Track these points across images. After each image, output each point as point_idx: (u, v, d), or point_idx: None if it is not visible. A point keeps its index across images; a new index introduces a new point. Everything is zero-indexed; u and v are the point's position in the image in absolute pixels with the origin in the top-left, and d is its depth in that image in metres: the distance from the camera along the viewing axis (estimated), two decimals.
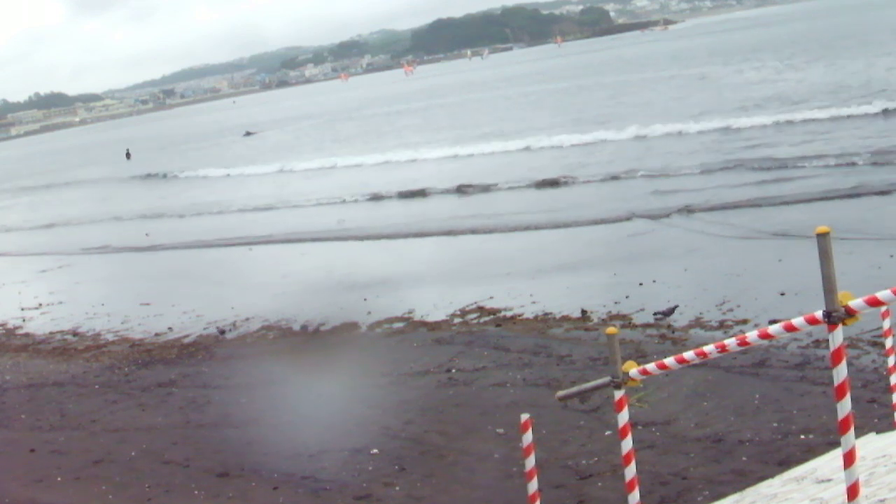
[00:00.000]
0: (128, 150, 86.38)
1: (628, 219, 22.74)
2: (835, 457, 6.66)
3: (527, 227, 23.86)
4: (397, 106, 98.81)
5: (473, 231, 24.56)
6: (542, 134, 43.29)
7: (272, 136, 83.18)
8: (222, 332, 17.21)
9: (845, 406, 4.22)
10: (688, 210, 22.18)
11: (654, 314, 14.04)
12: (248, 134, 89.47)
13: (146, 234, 33.21)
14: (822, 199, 21.41)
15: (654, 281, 16.41)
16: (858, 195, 20.82)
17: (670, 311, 13.77)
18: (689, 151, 31.35)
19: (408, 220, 27.97)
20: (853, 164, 24.42)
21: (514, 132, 47.14)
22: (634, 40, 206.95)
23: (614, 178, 29.09)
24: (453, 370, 13.11)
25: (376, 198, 33.74)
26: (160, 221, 37.57)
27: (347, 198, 34.57)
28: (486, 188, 31.32)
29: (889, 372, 7.08)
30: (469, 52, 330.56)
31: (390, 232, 26.29)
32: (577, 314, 15.03)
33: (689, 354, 5.10)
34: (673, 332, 13.40)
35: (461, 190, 31.75)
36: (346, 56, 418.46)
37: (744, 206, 21.85)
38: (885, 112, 31.92)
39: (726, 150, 30.47)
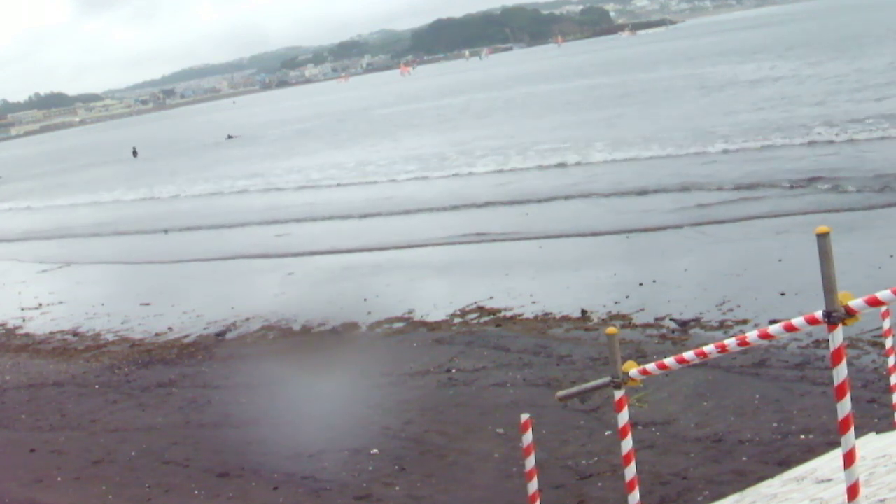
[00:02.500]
0: (134, 148, 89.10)
1: (628, 232, 22.72)
2: (835, 457, 6.66)
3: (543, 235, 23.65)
4: (396, 108, 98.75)
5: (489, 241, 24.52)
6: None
7: (254, 141, 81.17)
8: (220, 335, 17.12)
9: (845, 406, 4.22)
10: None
11: (671, 320, 13.93)
12: (230, 137, 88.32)
13: (165, 232, 33.50)
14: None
15: (655, 281, 16.41)
16: None
17: (685, 323, 13.72)
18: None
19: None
20: None
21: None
22: (608, 44, 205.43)
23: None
24: (453, 370, 13.11)
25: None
26: None
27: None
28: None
29: (889, 372, 7.08)
30: (467, 52, 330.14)
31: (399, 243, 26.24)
32: (577, 314, 15.03)
33: (689, 354, 5.10)
34: (673, 333, 13.41)
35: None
36: (346, 56, 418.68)
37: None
38: None
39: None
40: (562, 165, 34.37)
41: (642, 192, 26.31)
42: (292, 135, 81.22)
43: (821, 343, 11.43)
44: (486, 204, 28.62)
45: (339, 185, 40.18)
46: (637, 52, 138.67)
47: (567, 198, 27.50)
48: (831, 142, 29.36)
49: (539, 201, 27.67)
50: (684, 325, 13.59)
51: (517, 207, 27.27)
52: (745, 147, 30.95)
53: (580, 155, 35.59)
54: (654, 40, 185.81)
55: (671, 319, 13.85)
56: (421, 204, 30.96)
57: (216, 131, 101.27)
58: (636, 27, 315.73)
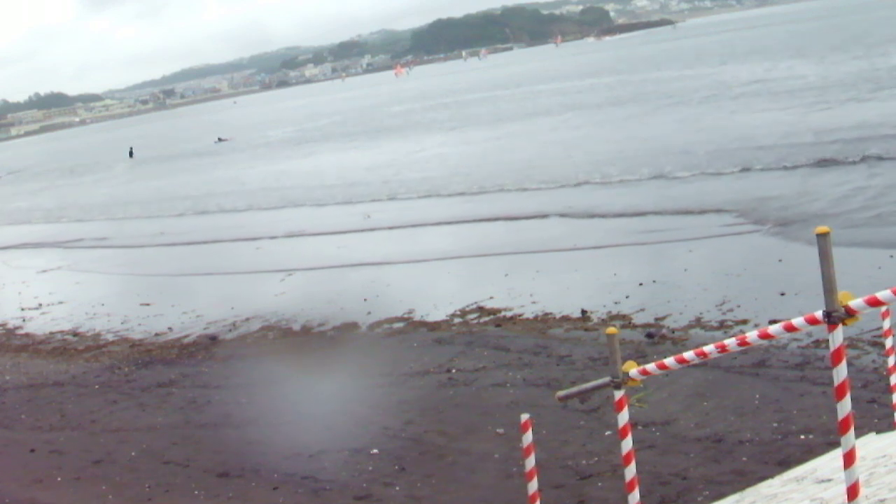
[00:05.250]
0: (131, 148, 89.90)
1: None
2: (835, 457, 6.66)
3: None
4: (398, 107, 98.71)
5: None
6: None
7: (242, 146, 78.00)
8: (213, 338, 16.99)
9: (845, 406, 4.22)
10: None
11: (647, 335, 13.67)
12: (220, 140, 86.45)
13: (161, 233, 33.42)
14: None
15: (655, 281, 16.41)
16: None
17: (653, 335, 13.42)
18: None
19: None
20: None
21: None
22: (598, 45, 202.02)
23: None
24: (453, 370, 13.11)
25: None
26: None
27: None
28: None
29: (889, 372, 7.07)
30: (465, 52, 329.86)
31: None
32: (577, 314, 15.03)
33: (689, 354, 5.10)
34: (673, 332, 13.40)
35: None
36: (346, 56, 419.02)
37: None
38: None
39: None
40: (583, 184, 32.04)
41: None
42: (286, 138, 78.65)
43: (821, 343, 11.43)
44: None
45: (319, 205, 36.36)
46: (640, 52, 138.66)
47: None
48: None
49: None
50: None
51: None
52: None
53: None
54: (623, 45, 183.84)
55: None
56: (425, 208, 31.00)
57: (212, 133, 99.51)
58: (635, 28, 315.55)
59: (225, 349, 16.18)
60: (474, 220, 26.53)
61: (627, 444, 5.56)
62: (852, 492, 4.27)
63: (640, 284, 16.30)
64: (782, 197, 22.11)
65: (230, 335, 17.07)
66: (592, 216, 24.05)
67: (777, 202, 21.57)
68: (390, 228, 27.40)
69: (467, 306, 16.58)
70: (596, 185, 28.96)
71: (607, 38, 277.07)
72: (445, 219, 27.72)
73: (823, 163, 25.84)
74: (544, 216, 25.09)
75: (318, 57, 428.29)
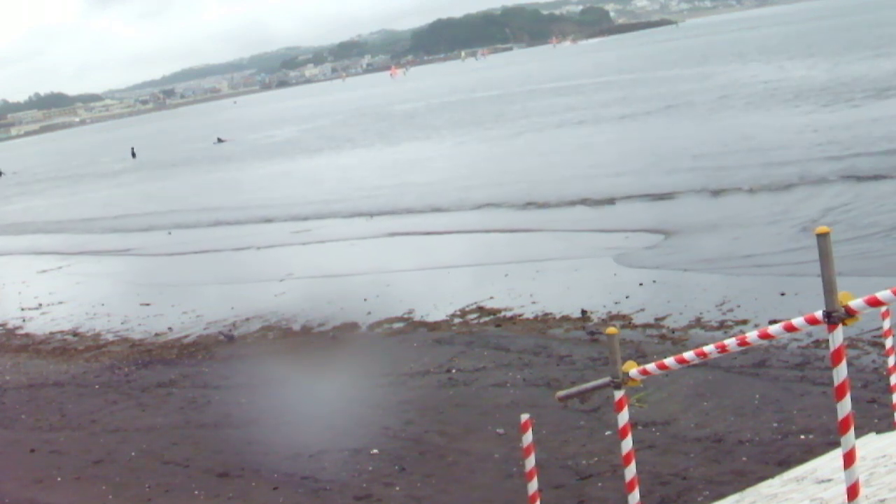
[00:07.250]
0: (132, 148, 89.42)
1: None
2: (835, 457, 6.66)
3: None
4: (401, 106, 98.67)
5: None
6: None
7: (242, 147, 76.84)
8: (229, 337, 16.89)
9: (845, 406, 4.21)
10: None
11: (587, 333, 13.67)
12: (219, 141, 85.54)
13: (169, 233, 33.29)
14: None
15: (655, 281, 16.41)
16: None
17: (593, 332, 13.29)
18: None
19: None
20: None
21: None
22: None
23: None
24: (453, 370, 13.11)
25: None
26: None
27: None
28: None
29: (889, 372, 7.07)
30: (463, 52, 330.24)
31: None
32: (577, 314, 15.03)
33: (689, 354, 5.10)
34: (673, 333, 13.40)
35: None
36: (346, 56, 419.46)
37: None
38: None
39: None
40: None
41: None
42: (286, 139, 77.48)
43: (821, 343, 11.43)
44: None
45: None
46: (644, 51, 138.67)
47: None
48: None
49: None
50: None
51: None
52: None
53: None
54: (614, 46, 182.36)
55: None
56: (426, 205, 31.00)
57: (212, 133, 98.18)
58: (635, 28, 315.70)
59: (225, 349, 16.18)
60: (471, 230, 26.59)
61: (627, 444, 5.56)
62: (852, 492, 4.27)
63: (640, 284, 16.30)
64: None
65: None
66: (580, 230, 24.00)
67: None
68: (392, 234, 27.42)
69: (467, 306, 16.58)
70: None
71: (593, 40, 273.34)
72: (444, 222, 27.77)
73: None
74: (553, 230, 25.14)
75: (318, 57, 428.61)
